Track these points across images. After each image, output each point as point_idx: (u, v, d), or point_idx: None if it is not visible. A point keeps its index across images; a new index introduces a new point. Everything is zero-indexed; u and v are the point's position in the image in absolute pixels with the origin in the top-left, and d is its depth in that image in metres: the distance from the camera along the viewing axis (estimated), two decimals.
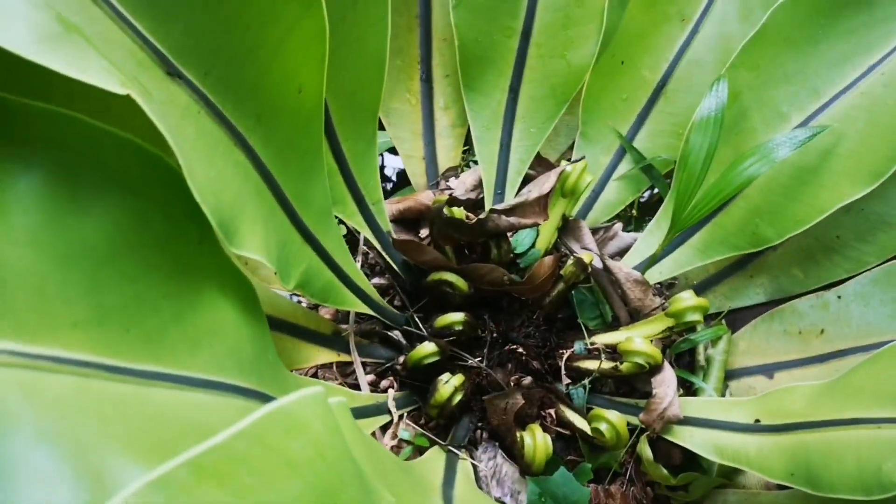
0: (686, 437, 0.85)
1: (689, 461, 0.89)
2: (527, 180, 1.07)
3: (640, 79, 1.05)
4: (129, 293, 0.47)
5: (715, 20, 1.00)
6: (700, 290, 1.05)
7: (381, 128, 1.05)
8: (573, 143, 1.11)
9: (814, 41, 0.91)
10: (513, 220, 0.92)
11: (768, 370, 0.97)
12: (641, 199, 1.30)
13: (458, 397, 0.85)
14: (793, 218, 0.91)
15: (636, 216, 1.20)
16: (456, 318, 0.89)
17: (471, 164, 1.15)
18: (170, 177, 0.52)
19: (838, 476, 0.67)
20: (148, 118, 0.50)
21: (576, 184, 0.97)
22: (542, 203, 0.92)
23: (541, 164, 1.12)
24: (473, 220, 0.91)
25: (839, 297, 0.95)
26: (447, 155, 1.10)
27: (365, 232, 0.95)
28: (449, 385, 0.84)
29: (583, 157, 0.98)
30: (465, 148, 1.14)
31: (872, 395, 0.73)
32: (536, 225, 0.95)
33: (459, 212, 0.92)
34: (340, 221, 1.04)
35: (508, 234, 0.98)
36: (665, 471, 0.85)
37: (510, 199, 1.02)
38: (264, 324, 0.69)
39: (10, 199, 0.44)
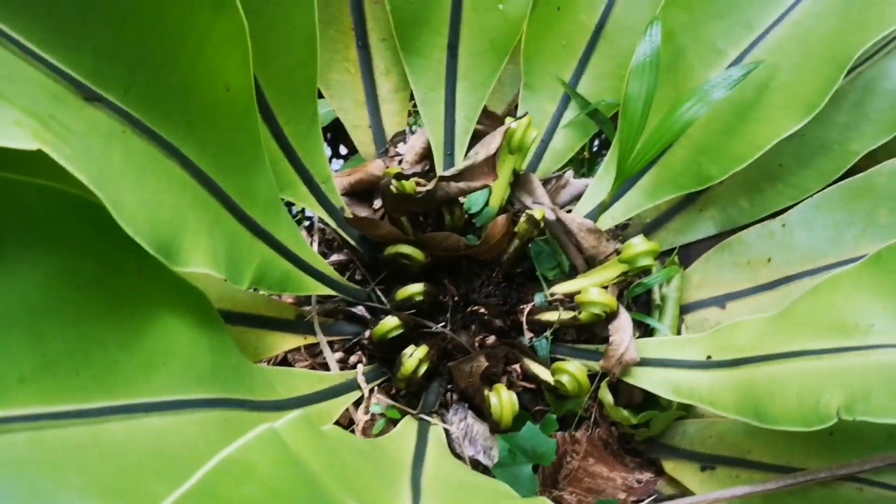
0: (644, 379, 0.89)
1: (650, 398, 0.93)
2: (476, 135, 1.07)
3: (577, 23, 1.04)
4: (72, 337, 0.49)
5: None
6: (653, 227, 1.08)
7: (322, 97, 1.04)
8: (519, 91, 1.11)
9: None
10: (462, 185, 0.93)
11: (720, 301, 1.00)
12: (595, 139, 1.30)
13: (423, 368, 0.88)
14: (734, 154, 0.92)
15: (588, 158, 1.21)
16: (415, 289, 0.91)
17: (419, 124, 1.15)
18: (95, 214, 0.52)
19: (781, 409, 0.71)
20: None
21: (522, 140, 0.97)
22: (490, 164, 0.92)
23: (488, 118, 1.12)
24: (423, 191, 0.92)
25: (783, 224, 0.97)
26: (393, 120, 1.09)
27: (318, 212, 0.95)
28: (413, 358, 0.87)
29: (526, 113, 0.98)
30: (412, 104, 1.13)
31: (813, 326, 0.76)
32: (487, 186, 0.96)
33: (409, 184, 0.93)
34: (292, 204, 1.04)
35: (460, 198, 0.99)
36: (625, 412, 0.89)
37: (459, 163, 1.02)
38: (221, 328, 0.70)
39: None
